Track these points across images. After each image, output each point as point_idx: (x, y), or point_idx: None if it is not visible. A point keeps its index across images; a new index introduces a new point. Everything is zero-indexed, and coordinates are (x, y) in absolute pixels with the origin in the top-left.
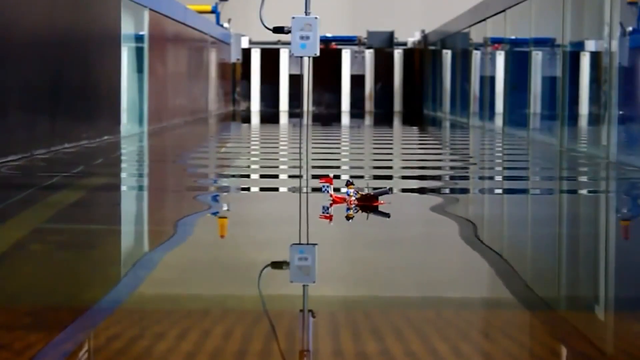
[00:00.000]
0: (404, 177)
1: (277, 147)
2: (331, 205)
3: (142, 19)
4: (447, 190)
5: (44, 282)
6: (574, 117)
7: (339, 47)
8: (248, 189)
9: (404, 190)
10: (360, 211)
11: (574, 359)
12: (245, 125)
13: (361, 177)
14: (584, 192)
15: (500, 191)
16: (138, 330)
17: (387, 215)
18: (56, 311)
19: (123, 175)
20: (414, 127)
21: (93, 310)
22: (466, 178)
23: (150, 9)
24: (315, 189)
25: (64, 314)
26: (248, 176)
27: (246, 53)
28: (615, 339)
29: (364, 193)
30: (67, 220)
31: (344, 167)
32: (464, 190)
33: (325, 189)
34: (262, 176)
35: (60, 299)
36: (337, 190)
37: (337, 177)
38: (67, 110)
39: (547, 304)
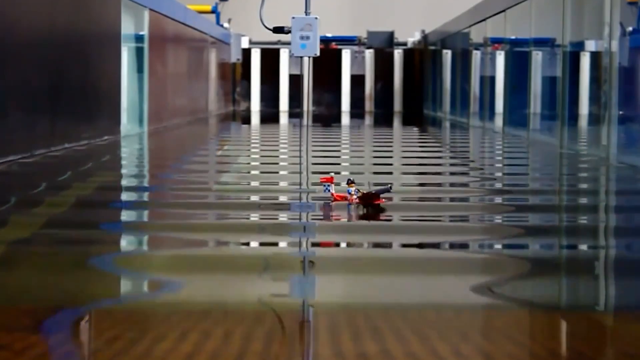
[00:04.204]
0: (402, 208)
1: (277, 149)
2: (332, 202)
3: (142, 19)
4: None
5: None
6: (574, 117)
7: (339, 47)
8: (247, 244)
9: (404, 246)
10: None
11: None
12: (245, 125)
13: (362, 173)
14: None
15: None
16: (137, 332)
17: (383, 210)
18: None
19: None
20: (414, 128)
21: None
22: (466, 200)
23: (150, 9)
24: (314, 244)
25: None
26: (245, 198)
27: (246, 53)
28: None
29: (365, 191)
30: None
31: (344, 164)
32: (464, 218)
33: (327, 189)
34: (259, 205)
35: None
36: (337, 184)
37: (337, 173)
38: (67, 110)
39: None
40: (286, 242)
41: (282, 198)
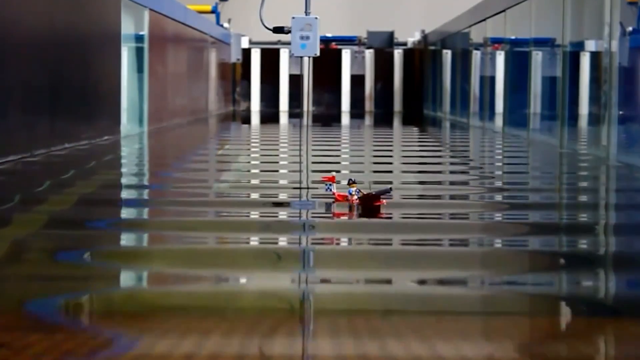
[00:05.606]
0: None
1: (277, 149)
2: (334, 202)
3: (142, 19)
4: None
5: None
6: (574, 117)
7: (339, 47)
8: (248, 242)
9: (404, 243)
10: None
11: None
12: (245, 125)
13: (361, 172)
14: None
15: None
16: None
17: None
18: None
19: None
20: (414, 128)
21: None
22: (466, 200)
23: (150, 9)
24: (315, 241)
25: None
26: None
27: (246, 53)
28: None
29: (365, 192)
30: None
31: (344, 163)
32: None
33: (328, 187)
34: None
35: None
36: (337, 182)
37: (337, 172)
38: (67, 110)
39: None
40: (286, 239)
41: (283, 196)
